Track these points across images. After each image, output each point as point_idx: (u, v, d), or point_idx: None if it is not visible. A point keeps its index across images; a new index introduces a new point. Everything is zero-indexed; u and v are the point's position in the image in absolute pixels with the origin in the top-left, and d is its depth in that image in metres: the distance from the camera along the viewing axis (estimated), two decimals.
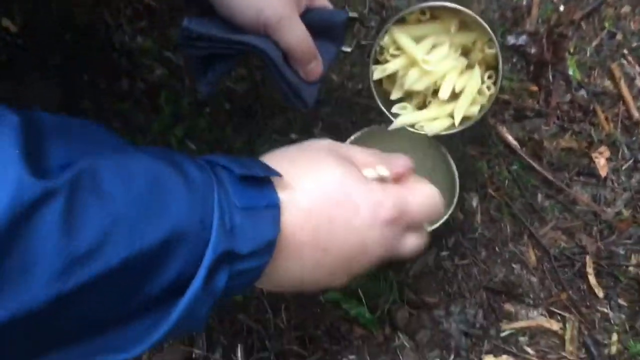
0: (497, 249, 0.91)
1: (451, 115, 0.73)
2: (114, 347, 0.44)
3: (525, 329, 0.87)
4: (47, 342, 0.41)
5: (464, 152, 0.94)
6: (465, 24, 0.73)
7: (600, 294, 0.89)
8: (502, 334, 0.87)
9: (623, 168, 0.94)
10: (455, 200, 0.79)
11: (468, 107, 0.73)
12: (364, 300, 0.87)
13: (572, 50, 1.00)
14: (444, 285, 0.89)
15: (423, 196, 0.58)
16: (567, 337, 0.86)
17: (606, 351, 0.86)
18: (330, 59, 0.73)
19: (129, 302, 0.43)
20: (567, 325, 0.87)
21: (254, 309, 0.87)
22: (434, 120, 0.74)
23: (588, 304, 0.88)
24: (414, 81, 0.71)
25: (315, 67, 0.72)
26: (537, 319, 0.88)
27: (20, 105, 0.99)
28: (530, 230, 0.92)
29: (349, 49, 0.75)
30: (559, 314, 0.88)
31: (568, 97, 0.98)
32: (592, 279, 0.89)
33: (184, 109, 0.98)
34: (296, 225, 0.50)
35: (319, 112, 0.97)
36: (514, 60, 1.01)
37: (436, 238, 0.82)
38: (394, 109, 0.75)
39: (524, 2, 1.03)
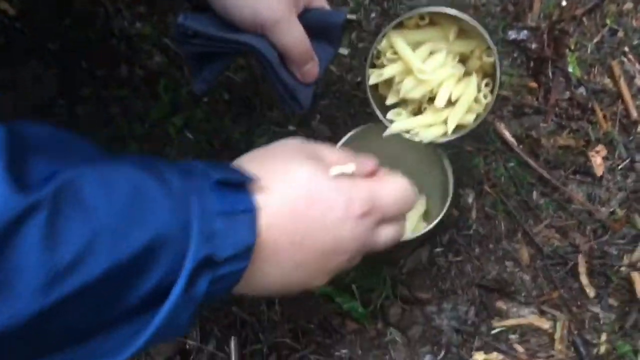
0: (491, 246, 0.92)
1: (447, 122, 0.73)
2: (96, 356, 0.45)
3: (516, 326, 0.88)
4: (29, 353, 0.42)
5: (461, 148, 0.94)
6: (464, 31, 0.73)
7: (592, 294, 0.89)
8: (493, 332, 0.88)
9: (619, 167, 0.95)
10: (449, 199, 0.79)
11: (464, 115, 0.73)
12: (357, 295, 0.88)
13: (572, 47, 1.00)
14: (437, 281, 0.90)
15: (394, 188, 0.59)
16: (557, 336, 0.87)
17: (595, 351, 0.87)
18: (327, 60, 0.73)
19: (111, 311, 0.44)
20: (557, 324, 0.88)
21: (248, 302, 0.88)
22: (429, 127, 0.74)
23: (579, 303, 0.89)
24: (410, 89, 0.71)
25: (312, 69, 0.72)
26: (528, 317, 0.89)
27: (17, 91, 0.99)
28: (524, 228, 0.92)
29: (346, 52, 0.75)
30: (550, 313, 0.89)
31: (567, 94, 0.98)
32: (583, 279, 0.90)
33: (183, 97, 0.98)
34: (272, 227, 0.51)
35: (317, 104, 0.97)
36: (515, 55, 1.00)
37: (431, 234, 0.83)
38: (389, 115, 0.75)
39: None
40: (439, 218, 0.79)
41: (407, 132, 0.75)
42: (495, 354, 0.87)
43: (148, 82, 0.99)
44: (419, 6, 0.72)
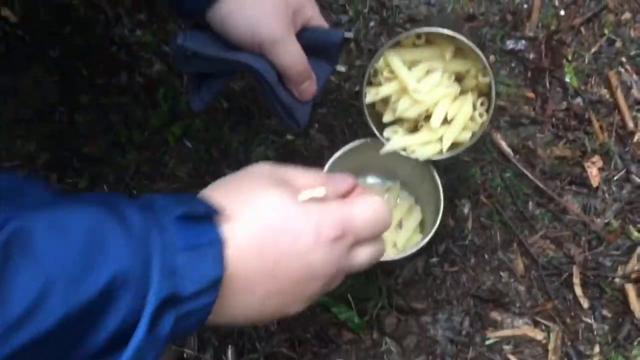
0: (486, 256, 0.93)
1: (442, 140, 0.74)
2: None
3: (510, 337, 0.89)
4: None
5: (458, 158, 0.94)
6: (460, 50, 0.73)
7: (585, 305, 0.90)
8: (487, 342, 0.89)
9: (615, 178, 0.95)
10: (440, 214, 0.80)
11: (459, 133, 0.73)
12: (353, 305, 0.89)
13: (570, 57, 1.00)
14: (432, 291, 0.91)
15: (366, 209, 0.57)
16: (551, 347, 0.88)
17: None
18: (325, 78, 0.73)
19: (71, 358, 0.43)
20: (551, 335, 0.89)
21: None
22: (425, 145, 0.74)
23: (573, 314, 0.90)
24: (405, 109, 0.72)
25: (309, 87, 0.72)
26: (522, 327, 0.90)
27: (18, 97, 0.99)
28: (519, 239, 0.93)
29: (343, 69, 0.75)
30: (544, 324, 0.90)
31: (564, 104, 0.99)
32: (578, 290, 0.91)
33: (182, 106, 0.98)
34: (240, 258, 0.49)
35: (315, 113, 0.98)
36: (512, 65, 1.01)
37: (426, 244, 0.84)
38: (386, 133, 0.76)
39: (525, 6, 1.03)
40: (431, 233, 0.80)
41: (404, 149, 0.76)
42: None
43: (148, 90, 1.00)
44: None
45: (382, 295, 0.90)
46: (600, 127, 0.97)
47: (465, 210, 0.94)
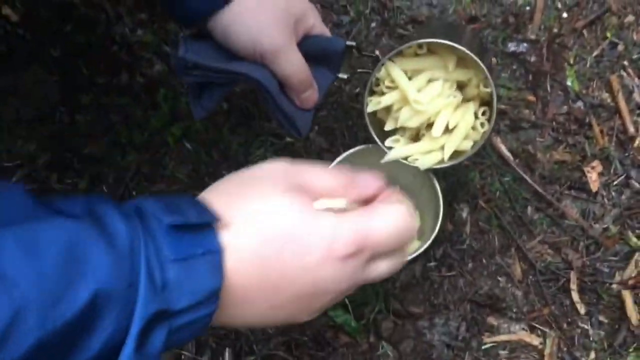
0: (484, 260, 0.93)
1: (444, 149, 0.74)
2: None
3: (506, 342, 0.90)
4: None
5: None
6: (462, 59, 0.73)
7: (582, 310, 0.90)
8: (484, 347, 0.89)
9: (614, 184, 0.95)
10: (440, 220, 0.80)
11: (461, 142, 0.73)
12: (350, 309, 0.89)
13: (572, 61, 1.00)
14: (429, 296, 0.92)
15: (388, 220, 0.51)
16: (547, 352, 0.89)
17: None
18: (327, 86, 0.74)
19: None
20: (547, 341, 0.89)
21: None
22: (427, 154, 0.75)
23: (569, 319, 0.90)
24: (407, 119, 0.72)
25: (311, 95, 0.72)
26: (519, 333, 0.90)
27: (19, 96, 0.99)
28: (517, 244, 0.93)
29: (345, 76, 0.75)
30: (540, 329, 0.90)
31: (565, 108, 0.98)
32: (575, 295, 0.91)
33: (182, 107, 0.98)
34: (240, 270, 0.46)
35: (316, 116, 0.98)
36: (513, 67, 1.01)
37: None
38: (388, 142, 0.76)
39: (527, 8, 1.02)
40: (430, 240, 0.80)
41: (405, 158, 0.76)
42: None
43: (148, 91, 1.00)
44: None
45: (379, 299, 0.90)
46: (601, 131, 0.97)
47: (464, 215, 0.94)
